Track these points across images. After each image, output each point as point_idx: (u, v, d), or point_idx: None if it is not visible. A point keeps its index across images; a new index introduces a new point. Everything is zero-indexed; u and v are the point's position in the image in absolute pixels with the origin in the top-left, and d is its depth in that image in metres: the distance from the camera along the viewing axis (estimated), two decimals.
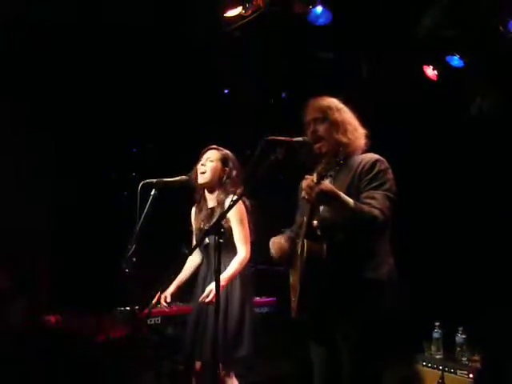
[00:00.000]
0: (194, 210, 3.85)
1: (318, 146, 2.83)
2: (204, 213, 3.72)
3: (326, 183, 2.54)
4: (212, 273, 3.53)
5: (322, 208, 2.74)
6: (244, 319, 3.54)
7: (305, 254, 2.58)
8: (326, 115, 2.86)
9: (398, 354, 2.80)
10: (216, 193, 3.68)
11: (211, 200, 3.71)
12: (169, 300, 3.70)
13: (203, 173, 3.64)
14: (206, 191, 3.72)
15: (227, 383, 3.53)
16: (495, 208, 5.21)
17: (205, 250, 3.70)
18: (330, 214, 2.67)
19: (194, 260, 3.88)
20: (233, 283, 3.55)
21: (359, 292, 2.64)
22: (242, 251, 3.59)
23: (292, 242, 2.91)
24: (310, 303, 2.66)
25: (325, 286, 2.61)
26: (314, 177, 2.51)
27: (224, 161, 3.69)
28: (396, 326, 2.71)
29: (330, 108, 2.87)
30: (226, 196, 3.62)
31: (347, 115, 2.89)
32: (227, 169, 3.68)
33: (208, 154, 3.69)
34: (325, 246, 2.57)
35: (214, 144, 3.79)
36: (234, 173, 3.68)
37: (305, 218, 2.72)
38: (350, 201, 2.55)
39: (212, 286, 3.39)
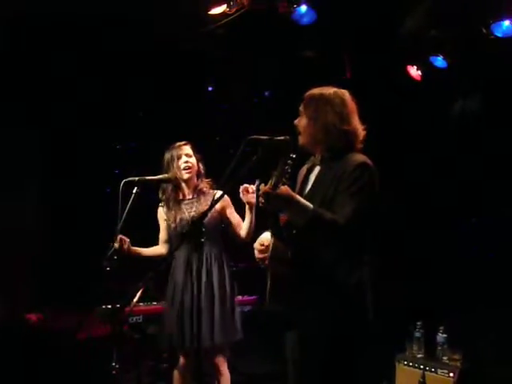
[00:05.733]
0: (161, 209, 3.86)
1: (299, 139, 2.67)
2: (185, 204, 3.76)
3: (283, 188, 2.38)
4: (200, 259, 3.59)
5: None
6: (234, 305, 3.69)
7: (270, 251, 2.55)
8: (304, 108, 2.69)
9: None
10: (194, 183, 3.79)
11: (190, 191, 3.80)
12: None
13: (189, 168, 3.72)
14: (183, 184, 3.79)
15: (223, 368, 3.68)
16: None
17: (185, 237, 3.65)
18: (290, 218, 2.54)
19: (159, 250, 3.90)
20: (222, 271, 3.67)
21: (316, 299, 2.50)
22: None
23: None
24: (278, 298, 2.61)
25: (286, 287, 2.55)
26: (271, 182, 2.37)
27: (196, 153, 3.83)
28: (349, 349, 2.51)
29: (310, 101, 2.67)
30: (203, 184, 3.79)
31: (330, 113, 2.59)
32: (199, 159, 3.83)
33: (185, 150, 3.77)
34: (289, 247, 2.51)
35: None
36: (200, 159, 3.85)
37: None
38: (309, 206, 2.42)
39: None
